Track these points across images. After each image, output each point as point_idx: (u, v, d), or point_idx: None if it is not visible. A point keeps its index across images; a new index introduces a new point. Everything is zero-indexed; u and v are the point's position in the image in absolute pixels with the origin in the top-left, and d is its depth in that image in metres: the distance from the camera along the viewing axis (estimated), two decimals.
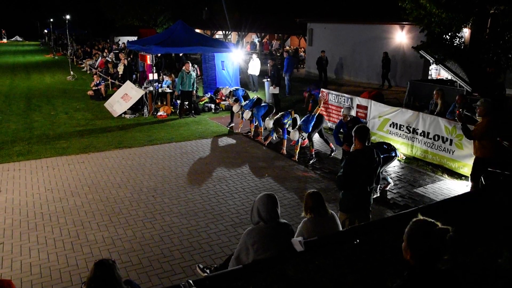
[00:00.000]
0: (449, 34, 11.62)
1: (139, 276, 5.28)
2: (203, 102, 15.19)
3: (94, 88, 17.14)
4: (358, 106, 11.24)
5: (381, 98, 12.55)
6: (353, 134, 5.27)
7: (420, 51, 12.25)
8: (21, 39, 72.59)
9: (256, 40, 37.90)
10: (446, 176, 8.74)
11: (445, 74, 14.21)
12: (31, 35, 70.09)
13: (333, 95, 12.25)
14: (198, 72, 18.72)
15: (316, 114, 9.92)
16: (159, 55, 18.39)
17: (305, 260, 3.44)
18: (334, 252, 3.55)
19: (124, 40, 35.30)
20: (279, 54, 30.87)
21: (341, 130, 8.93)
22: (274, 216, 3.86)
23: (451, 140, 8.78)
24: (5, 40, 69.18)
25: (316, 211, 4.35)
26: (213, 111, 14.70)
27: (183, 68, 13.75)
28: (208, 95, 15.92)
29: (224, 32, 37.08)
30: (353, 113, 8.91)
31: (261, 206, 3.87)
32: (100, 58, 24.52)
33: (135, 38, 30.86)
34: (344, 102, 11.75)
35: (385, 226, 4.18)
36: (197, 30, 27.15)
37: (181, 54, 18.48)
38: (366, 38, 21.32)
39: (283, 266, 3.34)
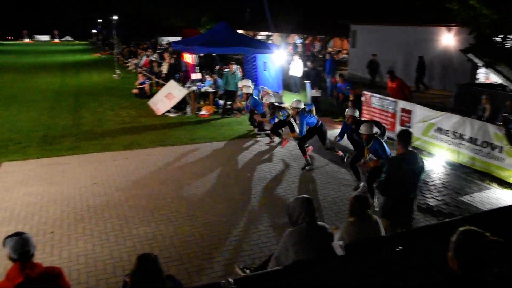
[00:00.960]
0: (501, 36, 11.17)
1: (179, 272, 5.36)
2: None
3: (138, 86, 17.59)
4: (402, 110, 11.01)
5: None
6: (396, 139, 5.19)
7: (468, 54, 11.85)
8: (71, 39, 75.33)
9: (298, 42, 37.78)
10: (495, 185, 8.41)
11: (495, 78, 13.68)
12: (80, 35, 72.60)
13: (376, 98, 12.04)
14: (241, 73, 18.85)
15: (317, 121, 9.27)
16: (202, 55, 18.63)
17: (344, 263, 3.41)
18: (373, 257, 3.50)
19: (168, 40, 36.05)
20: (321, 55, 30.67)
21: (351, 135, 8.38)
22: (312, 218, 3.86)
23: (501, 147, 8.45)
24: (57, 40, 72.03)
25: (359, 215, 4.31)
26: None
27: (228, 68, 13.93)
28: None
29: (267, 33, 37.18)
30: (357, 114, 8.14)
31: (300, 208, 3.88)
32: (144, 57, 25.09)
33: (179, 38, 31.47)
34: (387, 105, 11.54)
35: (429, 233, 4.09)
36: (240, 31, 27.37)
37: (213, 54, 18.65)
38: (411, 40, 20.84)
39: (322, 268, 3.32)
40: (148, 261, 3.16)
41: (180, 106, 14.35)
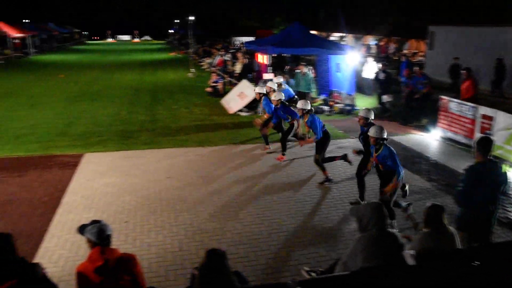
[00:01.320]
0: None
1: (244, 269, 5.39)
2: (316, 103, 15.17)
3: (212, 85, 18.03)
4: (483, 116, 10.39)
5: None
6: (473, 145, 4.89)
7: None
8: (150, 39, 78.83)
9: (372, 43, 36.89)
10: None
11: None
12: (158, 35, 75.76)
13: (454, 103, 11.46)
14: (313, 74, 18.73)
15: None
16: (274, 55, 18.74)
17: (414, 274, 3.28)
18: (446, 270, 3.33)
19: (241, 40, 36.62)
20: (396, 57, 29.69)
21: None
22: (383, 225, 3.76)
23: None
24: (137, 40, 75.71)
25: (435, 225, 4.12)
26: (326, 113, 14.60)
27: (298, 69, 13.88)
28: (322, 97, 15.87)
29: (340, 34, 36.68)
30: (372, 116, 7.31)
31: (370, 213, 3.79)
32: (218, 57, 25.65)
33: (252, 38, 31.88)
34: (466, 111, 10.95)
35: (509, 250, 3.82)
36: (313, 32, 27.19)
37: (283, 55, 18.68)
38: (496, 42, 19.60)
39: (391, 277, 3.22)
40: (216, 256, 3.23)
41: (251, 106, 14.53)
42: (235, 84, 17.14)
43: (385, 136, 6.34)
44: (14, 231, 3.63)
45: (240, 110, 14.45)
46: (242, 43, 31.54)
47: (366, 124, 7.23)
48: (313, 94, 15.61)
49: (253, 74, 18.96)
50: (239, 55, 21.28)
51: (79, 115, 14.33)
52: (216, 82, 18.12)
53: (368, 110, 7.42)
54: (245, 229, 6.54)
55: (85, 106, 15.88)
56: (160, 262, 5.68)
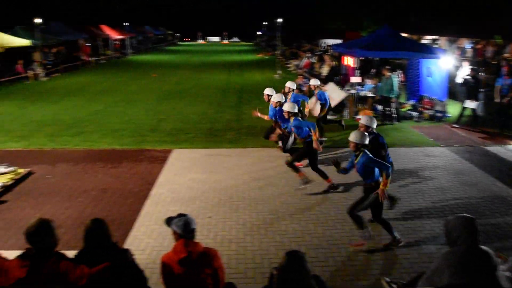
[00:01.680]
0: None
1: (323, 274, 5.31)
2: (405, 109, 14.58)
3: (298, 87, 18.00)
4: None
5: None
6: None
7: None
8: (238, 40, 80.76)
9: (467, 46, 34.68)
10: None
11: None
12: (246, 36, 77.40)
13: None
14: (402, 78, 18.05)
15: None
16: (362, 58, 18.32)
17: None
18: None
19: (328, 42, 36.24)
20: (495, 62, 27.67)
21: None
22: (475, 241, 3.47)
23: None
24: (226, 41, 77.95)
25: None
26: (415, 119, 13.98)
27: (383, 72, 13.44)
28: (411, 102, 15.23)
29: (433, 36, 34.92)
30: (374, 124, 6.70)
31: (461, 227, 3.51)
32: (305, 59, 25.62)
33: (339, 41, 31.40)
34: None
35: None
36: (404, 34, 26.15)
37: (371, 58, 18.10)
38: None
39: None
40: (296, 258, 3.21)
41: (337, 109, 14.32)
42: None
43: (366, 143, 5.83)
44: (107, 218, 3.89)
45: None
46: (329, 46, 31.20)
47: (368, 132, 6.50)
48: (401, 98, 15.03)
49: (339, 77, 18.67)
50: (326, 57, 21.08)
51: (169, 112, 15.04)
52: (302, 84, 18.09)
53: (370, 118, 6.83)
54: (326, 233, 6.46)
55: (174, 104, 16.64)
56: (240, 259, 5.77)
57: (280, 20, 35.18)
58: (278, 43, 34.36)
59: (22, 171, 8.90)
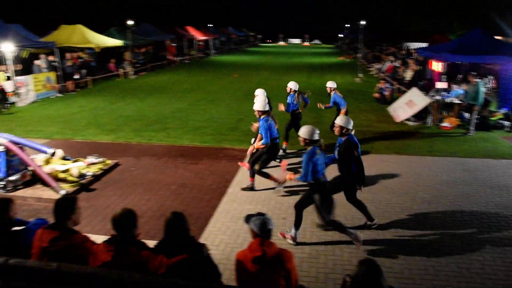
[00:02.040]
0: None
1: (398, 283, 5.18)
2: (495, 117, 13.65)
3: (379, 91, 17.54)
4: None
5: None
6: None
7: None
8: (319, 42, 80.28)
9: None
10: None
11: None
12: (327, 39, 76.74)
13: None
14: (494, 84, 16.94)
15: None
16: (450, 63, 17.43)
17: None
18: None
19: (412, 46, 34.90)
20: None
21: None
22: None
23: None
24: (307, 43, 77.82)
25: None
26: (507, 129, 13.03)
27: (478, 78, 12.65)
28: (503, 111, 14.22)
29: None
30: (350, 125, 6.41)
31: None
32: (388, 63, 24.88)
33: (425, 44, 30.11)
34: None
35: None
36: (498, 37, 24.51)
37: (458, 63, 17.08)
38: None
39: None
40: (372, 267, 3.13)
41: (420, 115, 13.74)
42: (404, 92, 16.42)
43: (315, 138, 5.96)
44: (185, 212, 4.03)
45: (408, 119, 13.78)
46: (414, 49, 30.04)
47: (342, 134, 6.46)
48: (491, 106, 14.09)
49: (424, 82, 17.92)
50: (411, 61, 20.31)
51: (248, 112, 15.25)
52: (384, 88, 17.59)
53: (347, 118, 6.57)
54: (402, 243, 6.22)
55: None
56: (312, 263, 5.74)
57: (363, 22, 34.46)
58: (360, 46, 33.66)
59: (110, 162, 9.52)
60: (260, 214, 3.83)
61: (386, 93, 17.41)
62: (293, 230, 6.27)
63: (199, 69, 31.63)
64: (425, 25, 38.74)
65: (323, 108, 11.38)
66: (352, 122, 6.44)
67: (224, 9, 73.53)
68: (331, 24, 74.05)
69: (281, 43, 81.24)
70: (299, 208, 6.25)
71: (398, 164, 9.68)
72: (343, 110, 10.52)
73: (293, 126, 10.53)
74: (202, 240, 6.21)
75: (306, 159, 5.89)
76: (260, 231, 3.72)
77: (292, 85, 10.90)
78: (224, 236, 6.42)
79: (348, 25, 58.03)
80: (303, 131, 6.04)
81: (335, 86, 11.06)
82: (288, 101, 10.69)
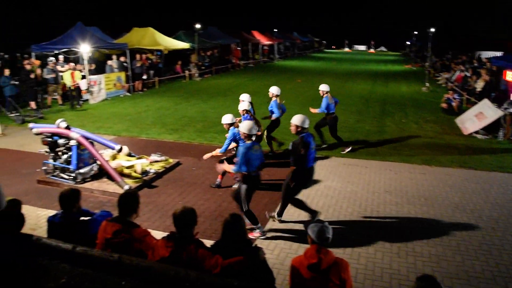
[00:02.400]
0: None
1: None
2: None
3: (447, 101, 16.84)
4: None
5: None
6: None
7: None
8: (385, 50, 78.40)
9: None
10: None
11: None
12: (394, 46, 74.76)
13: None
14: None
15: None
16: None
17: None
18: None
19: (485, 55, 33.21)
20: None
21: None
22: None
23: None
24: (372, 50, 76.26)
25: None
26: None
27: None
28: None
29: None
30: (306, 124, 6.74)
31: None
32: (458, 72, 23.82)
33: (499, 53, 28.55)
34: None
35: None
36: None
37: None
38: None
39: None
40: (431, 284, 3.01)
41: (491, 128, 13.02)
42: (474, 103, 15.65)
43: (252, 133, 6.42)
44: (242, 214, 4.05)
45: (477, 132, 13.10)
46: (487, 58, 28.55)
47: (298, 132, 6.78)
48: None
49: (496, 93, 16.98)
50: (483, 71, 19.31)
51: (310, 118, 15.09)
52: (451, 99, 16.86)
53: (304, 117, 6.89)
54: (466, 262, 5.92)
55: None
56: (368, 274, 5.60)
57: (432, 29, 33.29)
58: (428, 53, 32.47)
59: (172, 161, 9.81)
60: (319, 221, 3.79)
61: (454, 103, 16.66)
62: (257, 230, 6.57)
63: (262, 73, 31.88)
64: (500, 33, 36.75)
65: (317, 112, 11.32)
66: (308, 121, 6.78)
67: (290, 13, 73.84)
68: (398, 31, 72.11)
69: (346, 49, 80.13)
70: (236, 198, 6.62)
71: (463, 179, 9.22)
72: (316, 110, 10.96)
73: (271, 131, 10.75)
74: (257, 243, 6.23)
75: (242, 152, 6.23)
76: (317, 238, 3.68)
77: (274, 90, 10.86)
78: (279, 241, 6.42)
79: (416, 32, 56.28)
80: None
81: (328, 89, 11.15)
82: (270, 107, 10.82)
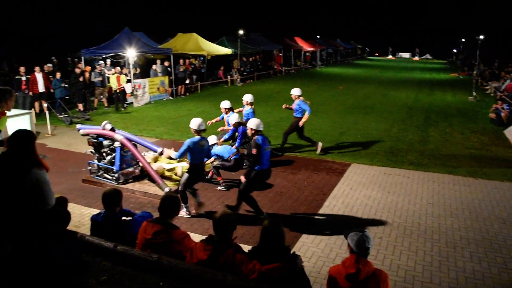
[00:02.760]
0: None
1: None
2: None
3: (496, 111, 16.22)
4: None
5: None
6: None
7: None
8: (430, 58, 76.51)
9: None
10: None
11: None
12: (439, 54, 72.88)
13: None
14: None
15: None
16: None
17: None
18: None
19: None
20: None
21: None
22: None
23: None
24: (417, 58, 74.59)
25: None
26: None
27: None
28: None
29: None
30: (261, 127, 7.29)
31: None
32: (508, 81, 22.92)
33: None
34: None
35: None
36: None
37: None
38: None
39: None
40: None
41: None
42: None
43: (200, 129, 7.30)
44: (280, 220, 4.03)
45: None
46: None
47: (253, 134, 7.26)
48: None
49: None
50: None
51: (351, 126, 15.02)
52: (500, 109, 16.22)
53: (258, 121, 7.37)
54: None
55: (357, 118, 16.54)
56: (407, 287, 5.44)
57: (481, 37, 32.14)
58: (476, 62, 31.33)
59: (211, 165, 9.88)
60: (359, 230, 3.71)
61: (503, 114, 16.02)
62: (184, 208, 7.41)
63: (304, 80, 31.79)
64: None
65: (289, 107, 11.52)
66: (262, 125, 7.29)
67: (334, 20, 73.47)
68: (445, 38, 70.27)
69: (390, 56, 78.74)
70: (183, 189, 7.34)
71: None
72: (307, 116, 10.93)
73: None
74: (294, 250, 6.19)
75: (186, 144, 7.10)
76: (356, 248, 3.60)
77: (248, 98, 10.85)
78: (316, 249, 6.35)
79: (464, 40, 54.63)
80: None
81: (300, 93, 11.13)
82: (244, 115, 10.89)
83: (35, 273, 2.76)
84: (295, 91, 11.25)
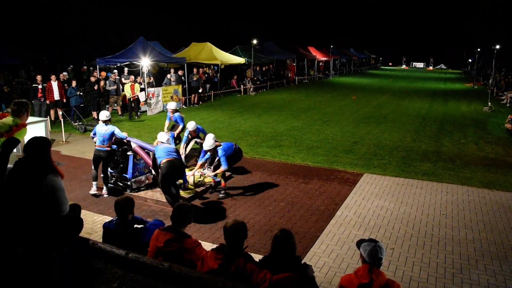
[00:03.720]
0: None
1: None
2: None
3: (511, 122, 16.02)
4: None
5: None
6: None
7: None
8: (444, 67, 75.97)
9: None
10: None
11: None
12: (454, 64, 72.38)
13: None
14: None
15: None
16: None
17: None
18: None
19: None
20: None
21: None
22: None
23: None
24: (431, 68, 74.12)
25: None
26: None
27: None
28: None
29: None
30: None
31: None
32: None
33: None
34: None
35: None
36: None
37: None
38: None
39: None
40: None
41: None
42: None
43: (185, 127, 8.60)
44: (292, 230, 4.03)
45: None
46: None
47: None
48: None
49: None
50: None
51: (364, 136, 14.94)
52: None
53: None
54: None
55: (370, 128, 16.46)
56: None
57: (497, 46, 31.89)
58: (494, 71, 31.03)
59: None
60: (372, 241, 3.68)
61: None
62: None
63: (317, 89, 31.80)
64: None
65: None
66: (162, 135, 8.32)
67: (348, 30, 73.47)
68: (459, 48, 69.76)
69: (403, 66, 78.40)
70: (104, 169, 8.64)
71: None
72: (179, 128, 11.59)
73: None
74: (305, 260, 6.16)
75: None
76: (369, 258, 3.57)
77: (189, 126, 10.44)
78: (328, 260, 6.31)
79: (479, 50, 54.16)
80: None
81: (175, 108, 11.71)
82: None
83: (47, 278, 2.79)
84: (171, 106, 11.79)
